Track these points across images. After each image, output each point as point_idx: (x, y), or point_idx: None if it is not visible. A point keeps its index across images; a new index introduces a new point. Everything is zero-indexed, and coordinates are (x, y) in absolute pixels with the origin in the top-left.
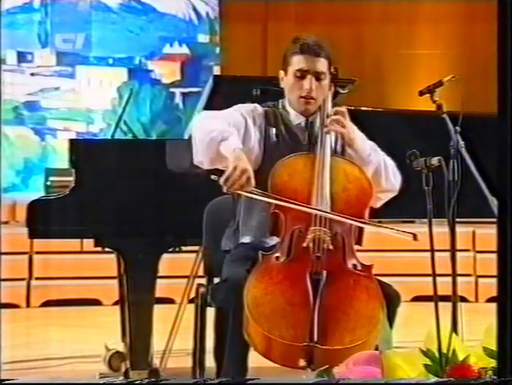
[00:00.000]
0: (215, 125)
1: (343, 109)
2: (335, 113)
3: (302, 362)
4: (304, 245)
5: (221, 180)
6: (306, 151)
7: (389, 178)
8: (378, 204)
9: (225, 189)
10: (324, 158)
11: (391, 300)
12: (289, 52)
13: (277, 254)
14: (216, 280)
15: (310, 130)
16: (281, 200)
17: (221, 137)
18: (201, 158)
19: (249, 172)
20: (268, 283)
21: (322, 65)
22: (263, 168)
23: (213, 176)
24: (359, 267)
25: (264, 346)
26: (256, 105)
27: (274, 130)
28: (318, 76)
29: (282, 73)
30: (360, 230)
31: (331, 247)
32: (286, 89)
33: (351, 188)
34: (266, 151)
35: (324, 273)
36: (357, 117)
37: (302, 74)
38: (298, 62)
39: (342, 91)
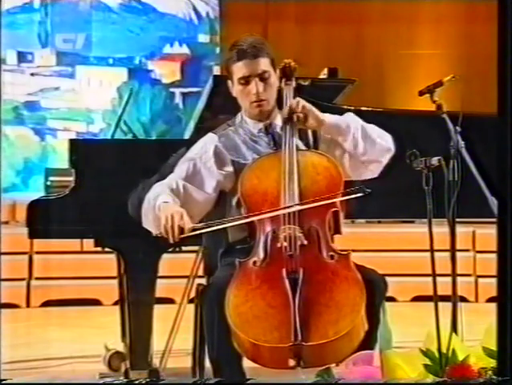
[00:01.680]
0: (148, 194)
1: (298, 99)
2: (295, 102)
3: (291, 362)
4: (278, 245)
5: (164, 234)
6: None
7: (379, 134)
8: (381, 167)
9: (170, 240)
10: (290, 154)
11: (376, 285)
12: (228, 61)
13: (254, 259)
14: None
15: (272, 132)
16: (221, 223)
17: (152, 205)
18: (148, 227)
19: (177, 212)
20: (248, 290)
21: (263, 64)
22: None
23: (155, 233)
24: (337, 257)
25: (253, 353)
26: (208, 139)
27: (234, 153)
28: (262, 76)
29: (229, 83)
30: (336, 219)
31: (305, 242)
32: (238, 97)
33: (320, 180)
34: (237, 171)
35: (301, 270)
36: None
37: (246, 80)
38: (238, 69)
39: (304, 83)
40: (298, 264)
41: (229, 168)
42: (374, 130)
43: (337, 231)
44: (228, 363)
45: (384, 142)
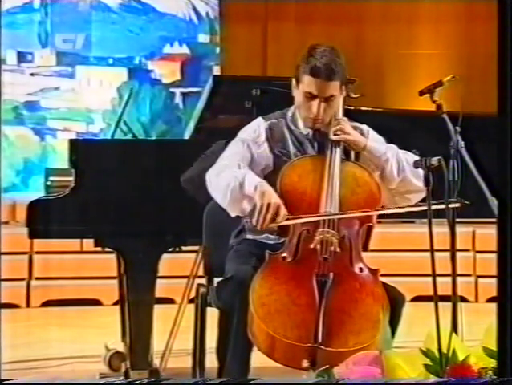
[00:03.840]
0: (227, 176)
1: (342, 117)
2: (336, 124)
3: (305, 363)
4: (311, 246)
5: (253, 221)
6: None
7: (415, 174)
8: (408, 202)
9: (258, 227)
10: (334, 160)
11: (396, 302)
12: (301, 68)
13: (284, 254)
14: (216, 280)
15: (320, 138)
16: (305, 217)
17: (239, 183)
18: (235, 211)
19: (275, 204)
20: (274, 283)
21: (333, 88)
22: (276, 176)
23: (244, 220)
24: (366, 271)
25: (268, 346)
26: (259, 123)
27: (281, 143)
28: (327, 99)
29: (293, 82)
30: (368, 235)
31: (338, 249)
32: (296, 101)
33: (360, 192)
34: (276, 164)
35: (331, 275)
36: (357, 117)
37: (311, 96)
38: (308, 84)
39: (354, 96)
40: (329, 269)
41: (274, 158)
42: (412, 167)
43: (365, 247)
44: (237, 358)
45: (417, 182)
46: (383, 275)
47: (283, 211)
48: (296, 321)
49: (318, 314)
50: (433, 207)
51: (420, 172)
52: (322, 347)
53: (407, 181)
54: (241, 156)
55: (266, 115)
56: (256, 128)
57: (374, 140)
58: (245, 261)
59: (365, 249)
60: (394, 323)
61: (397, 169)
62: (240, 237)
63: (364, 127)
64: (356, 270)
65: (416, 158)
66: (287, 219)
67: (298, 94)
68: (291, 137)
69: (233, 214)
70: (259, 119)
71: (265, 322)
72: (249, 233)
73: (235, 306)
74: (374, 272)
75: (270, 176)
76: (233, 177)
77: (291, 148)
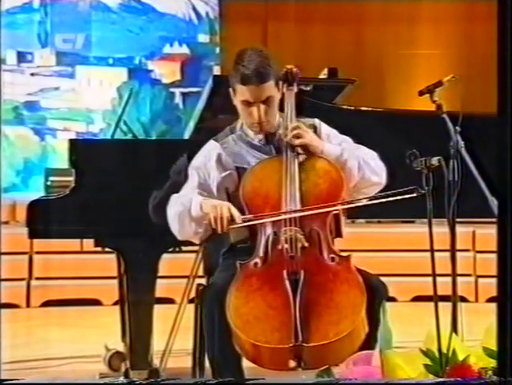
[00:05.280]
0: (177, 206)
1: (297, 123)
2: (293, 129)
3: (292, 363)
4: (279, 247)
5: (214, 226)
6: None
7: (373, 171)
8: (365, 195)
9: (219, 230)
10: (291, 158)
11: (376, 290)
12: (233, 78)
13: (254, 260)
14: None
15: (273, 140)
16: (261, 217)
17: (187, 209)
18: (185, 234)
19: (224, 205)
20: (248, 291)
21: (267, 90)
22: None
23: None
24: (337, 259)
25: (253, 354)
26: (210, 146)
27: (238, 159)
28: (265, 101)
29: (231, 92)
30: (337, 222)
31: (306, 244)
32: (239, 111)
33: (321, 183)
34: (240, 176)
35: (302, 271)
36: (357, 117)
37: (248, 103)
38: (241, 93)
39: (305, 88)
40: (298, 265)
41: (233, 172)
42: (369, 165)
43: (338, 234)
44: (227, 365)
45: (376, 179)
46: (383, 275)
47: (234, 210)
48: (275, 324)
49: (295, 312)
50: (389, 199)
51: (378, 166)
52: (304, 345)
53: (365, 179)
54: (196, 183)
55: (217, 136)
56: (206, 154)
57: (327, 135)
58: (227, 268)
59: (339, 235)
60: (376, 309)
61: (357, 168)
62: (228, 245)
63: (316, 120)
64: (327, 261)
65: (372, 152)
66: (244, 221)
67: (237, 103)
68: (246, 149)
69: (186, 238)
70: (211, 142)
71: (245, 331)
72: (240, 244)
73: (214, 313)
74: (346, 258)
75: (237, 187)
76: (180, 205)
77: (250, 159)
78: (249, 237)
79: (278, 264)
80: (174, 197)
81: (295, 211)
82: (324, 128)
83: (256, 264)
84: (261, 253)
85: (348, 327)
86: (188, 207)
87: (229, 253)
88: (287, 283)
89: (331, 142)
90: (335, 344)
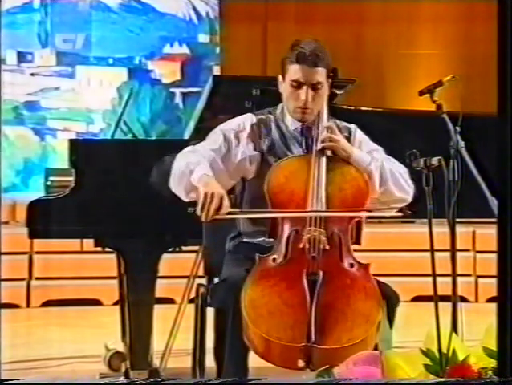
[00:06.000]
0: (186, 159)
1: (331, 124)
2: (325, 130)
3: (300, 363)
4: (300, 245)
5: (198, 210)
6: (302, 153)
7: (399, 185)
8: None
9: (203, 218)
10: (320, 158)
11: (389, 300)
12: (286, 59)
13: (274, 256)
14: (216, 280)
15: (307, 134)
16: (257, 212)
17: (189, 170)
18: (177, 191)
19: (218, 194)
20: (265, 285)
21: (319, 75)
22: (261, 176)
23: (189, 209)
24: (356, 266)
25: (263, 349)
26: (247, 117)
27: (267, 139)
28: (314, 86)
29: (280, 78)
30: (358, 229)
31: (327, 247)
32: (284, 96)
33: (347, 188)
34: (263, 160)
35: (321, 273)
36: (357, 117)
37: (298, 85)
38: (294, 72)
39: (338, 92)
40: (318, 267)
41: (258, 156)
42: (397, 179)
43: (357, 241)
44: (234, 360)
45: (400, 194)
46: (383, 275)
47: (226, 202)
48: (289, 322)
49: (310, 312)
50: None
51: (405, 181)
52: (316, 346)
53: (388, 193)
54: (218, 145)
55: (256, 112)
56: (241, 123)
57: (359, 141)
58: (239, 264)
59: (358, 243)
60: (388, 321)
61: (379, 181)
62: (236, 240)
63: (352, 126)
64: (347, 266)
65: (403, 167)
66: (229, 213)
67: (285, 86)
68: (279, 133)
69: (178, 194)
70: (248, 115)
71: (258, 325)
72: (246, 236)
73: (229, 309)
74: (365, 267)
75: (257, 175)
76: (186, 163)
77: (277, 146)
78: (269, 232)
79: (298, 262)
80: (187, 149)
81: (323, 211)
82: (358, 134)
83: (275, 259)
84: (281, 249)
85: (361, 335)
86: (192, 170)
87: (240, 248)
88: (305, 283)
89: (362, 149)
90: (346, 349)
